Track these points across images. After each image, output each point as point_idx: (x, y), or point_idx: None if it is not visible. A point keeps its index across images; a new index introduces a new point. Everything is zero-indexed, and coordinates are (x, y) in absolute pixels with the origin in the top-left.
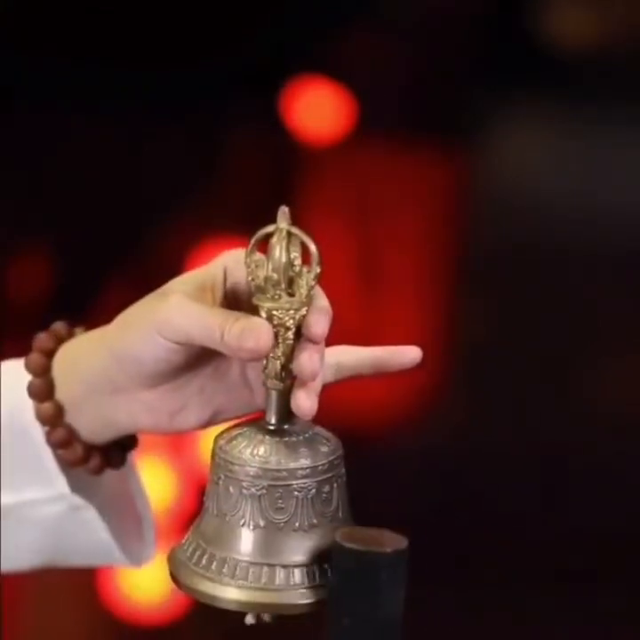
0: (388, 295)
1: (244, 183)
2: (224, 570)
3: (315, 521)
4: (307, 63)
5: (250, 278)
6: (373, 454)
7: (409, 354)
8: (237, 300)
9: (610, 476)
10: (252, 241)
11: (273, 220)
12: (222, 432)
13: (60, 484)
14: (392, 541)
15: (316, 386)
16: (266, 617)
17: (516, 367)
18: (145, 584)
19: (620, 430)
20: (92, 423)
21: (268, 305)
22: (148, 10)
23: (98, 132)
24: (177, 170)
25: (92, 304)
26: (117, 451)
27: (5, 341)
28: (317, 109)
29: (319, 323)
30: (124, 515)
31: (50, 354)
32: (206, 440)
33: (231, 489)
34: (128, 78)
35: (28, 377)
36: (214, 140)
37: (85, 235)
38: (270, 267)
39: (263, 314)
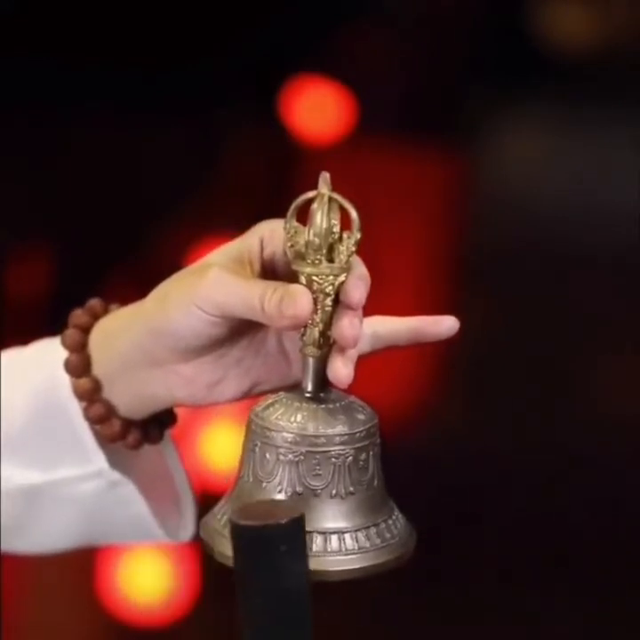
0: (387, 295)
1: (244, 183)
2: None
3: (351, 489)
4: (307, 63)
5: (289, 245)
6: None
7: (446, 323)
8: (275, 271)
9: (610, 476)
10: (293, 207)
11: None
12: (258, 401)
13: (99, 459)
14: (287, 512)
15: (353, 354)
16: None
17: (515, 368)
18: (145, 584)
19: (620, 431)
20: (130, 397)
21: (308, 270)
22: (148, 10)
23: (98, 132)
24: (177, 170)
25: None
26: (155, 426)
27: (5, 342)
28: (317, 109)
29: (358, 288)
30: (162, 491)
31: (86, 330)
32: (207, 441)
33: (268, 455)
34: (128, 78)
35: (62, 354)
36: (214, 140)
37: (85, 234)
38: (311, 232)
39: (303, 280)
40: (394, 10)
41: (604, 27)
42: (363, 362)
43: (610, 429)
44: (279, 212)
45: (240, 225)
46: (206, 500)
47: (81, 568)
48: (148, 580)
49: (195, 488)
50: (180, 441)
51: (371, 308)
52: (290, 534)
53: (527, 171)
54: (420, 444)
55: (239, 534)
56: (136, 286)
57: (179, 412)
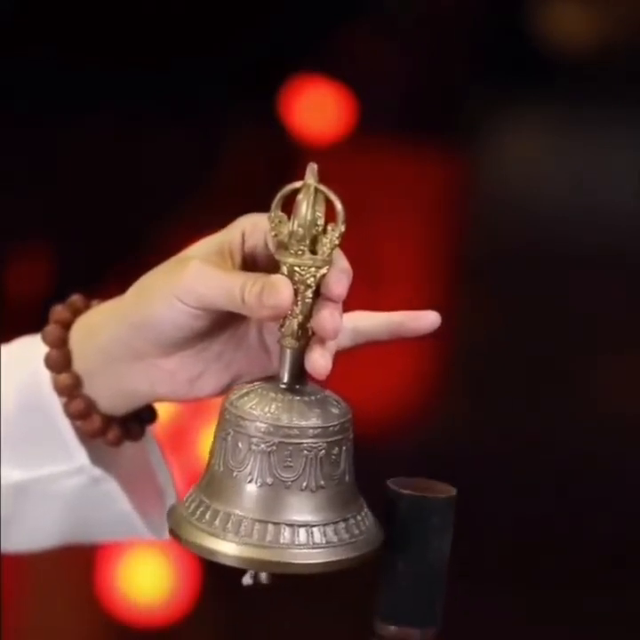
0: (387, 295)
1: (244, 183)
2: (228, 526)
3: (322, 482)
4: (307, 63)
5: (273, 234)
6: (373, 455)
7: (427, 318)
8: (256, 264)
9: (610, 476)
10: (278, 196)
11: None
12: (233, 389)
13: (80, 455)
14: (443, 490)
15: (332, 346)
16: (263, 578)
17: (515, 368)
18: (145, 584)
19: (620, 431)
20: (110, 393)
21: (290, 260)
22: (149, 10)
23: (98, 132)
24: (177, 170)
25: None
26: (136, 423)
27: (5, 342)
28: (317, 109)
29: (340, 282)
30: (145, 487)
31: (67, 325)
32: (206, 439)
33: (240, 444)
34: (128, 78)
35: (43, 351)
36: (214, 140)
37: (85, 234)
38: (296, 222)
39: (285, 270)
40: (394, 10)
41: (603, 26)
42: (364, 362)
43: (610, 429)
44: None
45: None
46: None
47: (81, 568)
48: (147, 579)
49: (191, 487)
50: (179, 439)
51: (369, 307)
52: (443, 509)
53: (527, 171)
54: (420, 444)
55: (399, 500)
56: None
57: (177, 413)
